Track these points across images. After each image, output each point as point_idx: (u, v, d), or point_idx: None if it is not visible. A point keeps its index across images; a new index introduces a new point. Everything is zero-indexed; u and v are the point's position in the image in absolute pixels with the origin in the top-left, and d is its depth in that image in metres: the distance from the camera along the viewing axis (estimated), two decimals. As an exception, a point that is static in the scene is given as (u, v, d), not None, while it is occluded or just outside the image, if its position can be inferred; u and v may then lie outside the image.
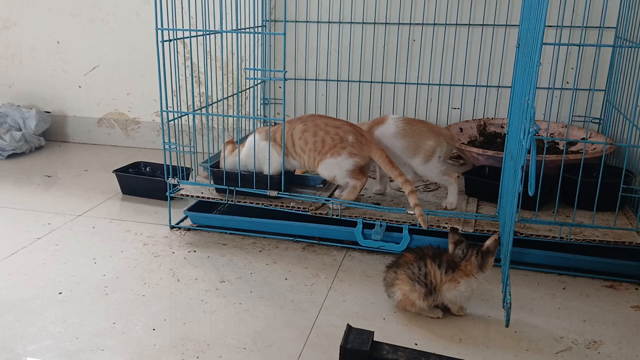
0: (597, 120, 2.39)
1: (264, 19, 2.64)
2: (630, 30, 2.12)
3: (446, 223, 1.76)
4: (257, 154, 1.90)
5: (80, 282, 1.63)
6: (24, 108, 2.97)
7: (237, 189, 1.91)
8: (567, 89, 2.43)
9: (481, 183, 1.98)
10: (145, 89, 2.93)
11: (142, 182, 2.30)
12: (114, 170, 2.33)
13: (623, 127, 2.12)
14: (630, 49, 2.10)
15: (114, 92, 3.00)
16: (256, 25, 2.56)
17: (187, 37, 2.05)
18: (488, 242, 1.43)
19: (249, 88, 2.59)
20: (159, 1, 1.81)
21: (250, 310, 1.50)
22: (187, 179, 2.09)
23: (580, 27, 2.32)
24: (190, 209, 2.02)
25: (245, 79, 2.61)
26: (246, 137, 2.11)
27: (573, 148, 2.27)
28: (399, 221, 1.79)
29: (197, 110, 2.48)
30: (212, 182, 1.99)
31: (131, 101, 2.99)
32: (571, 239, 1.68)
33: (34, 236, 1.92)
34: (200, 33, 2.01)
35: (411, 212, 1.77)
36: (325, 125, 1.84)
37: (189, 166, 2.10)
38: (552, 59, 2.32)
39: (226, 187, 1.93)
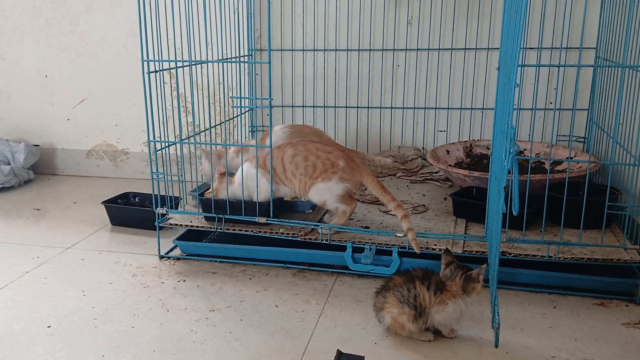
0: (582, 139, 2.42)
1: (250, 48, 2.67)
2: (610, 50, 2.16)
3: (435, 244, 1.77)
4: (248, 181, 1.91)
5: (69, 315, 1.62)
6: (13, 142, 2.97)
7: (226, 216, 1.92)
8: (550, 109, 2.46)
9: (468, 204, 2.00)
10: (134, 120, 2.94)
11: (131, 212, 2.29)
12: (103, 202, 2.33)
13: (607, 145, 2.15)
14: (610, 68, 2.14)
15: (103, 123, 3.01)
16: (242, 54, 2.59)
17: (174, 68, 2.07)
18: (475, 271, 1.43)
19: (236, 116, 2.61)
20: (145, 33, 1.83)
21: (241, 339, 1.49)
22: (176, 208, 2.09)
23: (560, 48, 2.37)
24: (180, 238, 2.02)
25: (232, 107, 2.63)
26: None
27: (558, 167, 2.29)
28: (388, 244, 1.80)
29: (184, 139, 2.49)
30: (200, 211, 1.99)
31: (120, 132, 3.00)
32: (560, 258, 1.69)
33: (23, 270, 1.91)
34: (187, 63, 2.04)
35: (400, 235, 1.78)
36: (317, 150, 1.85)
37: (178, 195, 2.10)
38: (535, 80, 2.36)
39: (215, 215, 1.93)
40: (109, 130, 3.01)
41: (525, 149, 2.37)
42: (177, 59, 2.60)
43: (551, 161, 2.27)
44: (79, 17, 2.88)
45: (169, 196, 2.03)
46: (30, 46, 2.98)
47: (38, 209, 2.54)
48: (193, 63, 1.90)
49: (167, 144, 2.01)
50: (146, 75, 1.87)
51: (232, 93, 2.63)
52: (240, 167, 1.93)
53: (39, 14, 2.92)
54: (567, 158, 2.19)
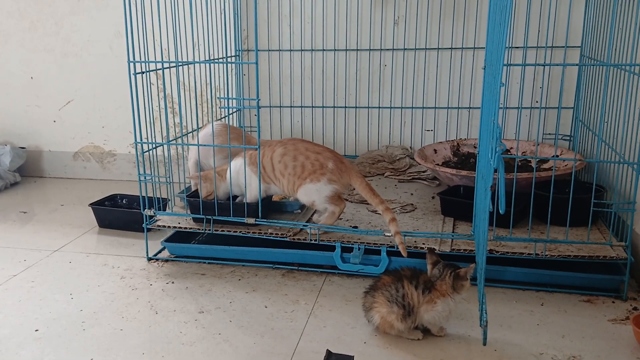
0: (568, 138, 2.44)
1: (237, 48, 2.67)
2: (595, 48, 2.18)
3: (423, 243, 1.78)
4: (238, 177, 1.90)
5: (57, 318, 1.61)
6: (0, 146, 2.95)
7: (214, 217, 1.91)
8: (536, 107, 2.48)
9: (456, 203, 2.01)
10: (121, 121, 2.93)
11: (118, 214, 2.28)
12: (90, 204, 2.32)
13: (592, 143, 2.17)
14: (595, 67, 2.16)
15: (89, 125, 2.99)
16: (230, 54, 2.58)
17: (160, 69, 2.07)
18: (463, 269, 1.44)
19: (224, 117, 2.60)
20: (131, 34, 1.82)
21: (230, 340, 1.49)
22: (164, 210, 2.08)
23: (545, 47, 2.38)
24: (168, 240, 2.01)
25: (220, 108, 2.62)
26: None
27: (545, 165, 2.31)
28: (377, 244, 1.80)
29: (172, 140, 2.48)
30: (188, 212, 1.98)
31: (107, 134, 2.98)
32: (546, 255, 1.70)
33: (10, 273, 1.90)
34: (173, 64, 2.03)
35: (389, 234, 1.79)
36: (306, 150, 1.85)
37: (166, 197, 2.09)
38: (520, 79, 2.37)
39: (203, 216, 1.92)
40: (96, 132, 2.99)
41: (511, 148, 2.38)
42: (164, 59, 2.59)
43: (537, 159, 2.29)
44: (64, 19, 2.86)
45: (157, 198, 2.02)
46: (15, 48, 2.95)
47: (24, 212, 2.52)
48: (180, 64, 1.90)
49: (154, 145, 2.00)
50: (132, 77, 1.86)
51: (219, 94, 2.62)
52: (229, 163, 1.93)
53: (23, 16, 2.89)
54: (553, 156, 2.21)
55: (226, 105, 2.50)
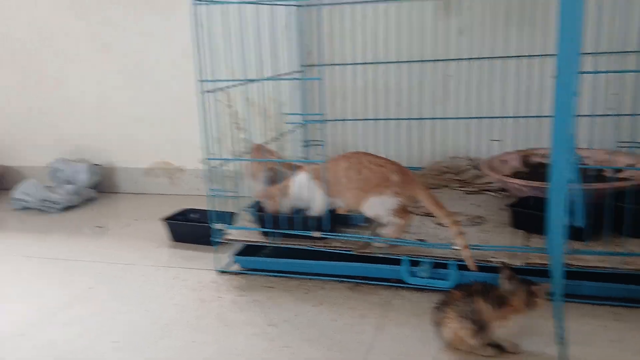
0: (644, 145, 2.33)
1: (301, 64, 2.70)
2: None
3: (493, 257, 1.74)
4: (302, 191, 1.92)
5: (133, 330, 1.66)
6: (75, 162, 3.09)
7: (281, 231, 1.93)
8: (609, 115, 2.38)
9: (527, 215, 1.95)
10: (189, 138, 3.01)
11: (190, 228, 2.34)
12: (163, 219, 2.39)
13: (672, 151, 2.06)
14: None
15: (159, 141, 3.09)
16: (294, 70, 2.62)
17: (228, 87, 2.12)
18: (538, 285, 1.39)
19: (289, 132, 2.64)
20: (200, 54, 1.88)
21: (297, 353, 1.50)
22: (233, 224, 2.12)
23: (617, 52, 2.29)
24: (237, 253, 2.04)
25: (285, 123, 2.66)
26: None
27: (620, 175, 2.21)
28: (445, 257, 1.78)
29: (238, 156, 2.54)
30: (256, 226, 2.01)
31: (176, 150, 3.08)
32: (624, 269, 1.63)
33: (87, 286, 1.98)
34: (241, 82, 2.07)
35: (456, 248, 1.75)
36: (369, 163, 1.85)
37: (234, 211, 2.13)
38: (593, 86, 2.29)
39: (270, 230, 1.95)
40: (165, 148, 3.09)
41: (585, 157, 2.30)
42: (230, 77, 2.65)
43: (612, 169, 2.20)
44: (133, 40, 2.98)
45: (226, 212, 2.06)
46: (88, 68, 3.10)
47: (100, 227, 2.63)
48: (247, 81, 1.94)
49: (222, 161, 2.05)
50: (201, 95, 1.91)
51: (284, 109, 2.66)
52: (295, 177, 1.95)
53: (94, 39, 3.04)
54: (629, 165, 2.12)
55: (291, 121, 2.53)
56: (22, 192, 2.93)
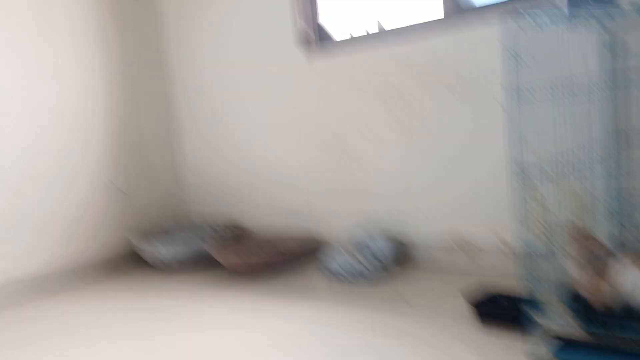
0: None
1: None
2: None
3: None
4: (636, 293, 1.69)
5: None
6: (379, 237, 3.27)
7: (612, 334, 1.71)
8: None
9: None
10: (485, 215, 2.96)
11: (499, 313, 2.26)
12: (470, 303, 2.35)
13: None
14: None
15: (450, 218, 3.11)
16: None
17: (542, 166, 2.03)
18: None
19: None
20: (512, 134, 1.84)
21: None
22: (549, 314, 1.96)
23: None
24: (559, 349, 1.87)
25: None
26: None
27: None
28: None
29: (551, 237, 2.38)
30: (572, 319, 1.82)
31: (474, 226, 3.04)
32: None
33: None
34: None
35: None
36: None
37: (545, 296, 1.98)
38: None
39: (598, 331, 1.74)
40: (461, 225, 3.09)
41: None
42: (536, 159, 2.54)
43: None
44: (426, 118, 3.11)
45: (539, 300, 1.92)
46: (387, 148, 3.32)
47: (407, 302, 2.68)
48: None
49: (536, 250, 1.94)
50: (513, 175, 1.85)
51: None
52: (628, 273, 1.73)
53: (391, 118, 3.25)
54: None
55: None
56: (335, 262, 3.17)
